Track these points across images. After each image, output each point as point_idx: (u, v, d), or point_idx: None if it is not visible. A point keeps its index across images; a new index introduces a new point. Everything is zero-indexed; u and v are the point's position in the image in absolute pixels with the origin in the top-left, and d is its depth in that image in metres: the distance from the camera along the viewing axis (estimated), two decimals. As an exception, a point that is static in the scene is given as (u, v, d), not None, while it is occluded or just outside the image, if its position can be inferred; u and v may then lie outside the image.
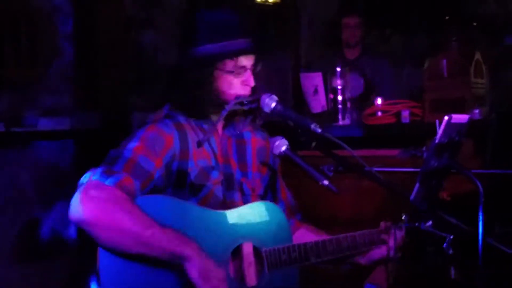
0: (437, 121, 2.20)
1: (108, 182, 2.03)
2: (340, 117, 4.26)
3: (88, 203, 1.99)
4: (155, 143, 2.15)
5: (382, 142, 3.68)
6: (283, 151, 2.23)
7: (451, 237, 2.20)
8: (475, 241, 2.24)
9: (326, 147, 2.22)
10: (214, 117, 2.28)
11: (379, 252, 2.38)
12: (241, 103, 2.24)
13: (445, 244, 2.20)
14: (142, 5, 5.04)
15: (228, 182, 2.29)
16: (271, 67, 5.41)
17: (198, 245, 2.03)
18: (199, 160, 2.22)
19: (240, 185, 2.32)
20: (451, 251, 2.19)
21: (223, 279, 2.04)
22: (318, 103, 4.44)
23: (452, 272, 2.16)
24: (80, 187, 2.03)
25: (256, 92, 2.27)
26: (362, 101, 4.52)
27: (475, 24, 5.79)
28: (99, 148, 4.16)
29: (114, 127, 4.48)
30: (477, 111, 3.84)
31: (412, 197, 2.21)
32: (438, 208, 2.27)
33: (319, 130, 2.17)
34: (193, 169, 2.20)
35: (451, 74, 4.04)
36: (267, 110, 2.23)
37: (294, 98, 5.68)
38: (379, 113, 4.19)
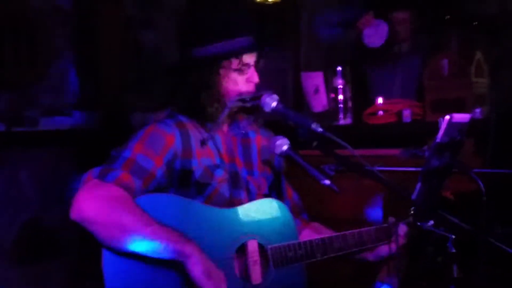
0: (440, 120, 2.20)
1: (106, 179, 2.05)
2: (341, 116, 4.26)
3: (88, 201, 2.00)
4: (154, 142, 2.15)
5: (383, 141, 3.68)
6: (284, 151, 2.23)
7: (453, 236, 2.19)
8: (475, 240, 2.24)
9: (327, 147, 2.22)
10: (217, 116, 2.28)
11: (387, 248, 2.37)
12: (243, 100, 2.24)
13: (447, 243, 2.20)
14: (142, 5, 5.03)
15: (234, 181, 2.29)
16: (271, 67, 5.40)
17: (199, 244, 2.03)
18: (202, 158, 2.22)
19: (246, 183, 2.32)
20: (452, 251, 2.19)
21: (223, 280, 2.04)
22: (319, 102, 4.44)
23: (455, 271, 2.16)
24: (80, 186, 2.05)
25: (257, 89, 2.28)
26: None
27: (475, 24, 5.78)
28: (99, 148, 4.17)
29: (114, 127, 4.48)
30: (478, 110, 3.84)
31: (414, 196, 2.21)
32: (439, 207, 2.26)
33: (320, 130, 2.17)
34: (197, 168, 2.21)
35: (452, 74, 4.04)
36: (267, 109, 2.23)
37: (295, 98, 5.68)
38: (380, 112, 4.19)
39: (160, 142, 2.17)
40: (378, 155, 3.32)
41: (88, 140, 4.44)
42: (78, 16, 4.62)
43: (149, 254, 2.02)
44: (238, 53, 2.24)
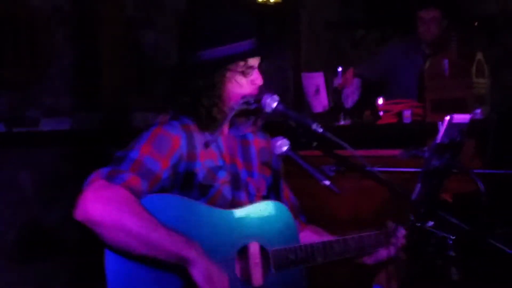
0: (440, 122, 2.20)
1: (115, 182, 2.04)
2: (341, 116, 4.26)
3: (95, 202, 1.99)
4: (161, 144, 2.15)
5: (384, 142, 3.68)
6: (284, 151, 2.23)
7: (452, 237, 2.19)
8: (475, 241, 2.24)
9: (327, 147, 2.22)
10: (220, 118, 2.27)
11: (386, 252, 2.37)
12: (248, 103, 2.24)
13: (446, 244, 2.20)
14: (142, 5, 5.03)
15: (235, 182, 2.29)
16: (271, 67, 5.40)
17: (203, 247, 2.03)
18: (206, 160, 2.22)
19: (246, 185, 2.32)
20: (452, 252, 2.19)
21: (227, 284, 2.05)
22: (319, 103, 4.44)
23: (453, 272, 2.15)
24: (87, 187, 2.03)
25: (260, 91, 2.28)
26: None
27: (475, 24, 5.79)
28: (99, 149, 4.18)
29: (114, 127, 4.48)
30: (478, 111, 3.84)
31: (413, 197, 2.21)
32: (439, 208, 2.26)
33: (320, 130, 2.16)
34: (201, 170, 2.20)
35: (452, 74, 4.04)
36: (268, 110, 2.22)
37: (295, 98, 5.68)
38: (381, 113, 4.19)
39: (167, 144, 2.16)
40: (378, 156, 3.33)
41: (88, 140, 4.44)
42: (78, 16, 4.63)
43: (153, 258, 2.02)
44: (245, 56, 2.23)
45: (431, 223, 2.26)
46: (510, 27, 5.76)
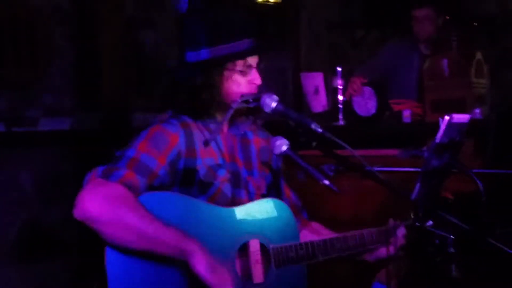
0: (440, 120, 2.20)
1: (111, 179, 2.06)
2: (340, 116, 4.26)
3: (92, 199, 2.01)
4: (158, 141, 2.16)
5: (384, 142, 3.68)
6: (284, 151, 2.23)
7: (452, 237, 2.20)
8: (475, 241, 2.24)
9: (326, 147, 2.22)
10: (219, 117, 2.28)
11: (386, 250, 2.38)
12: (247, 101, 2.24)
13: (446, 244, 2.20)
14: (142, 5, 5.03)
15: (236, 180, 2.30)
16: (271, 67, 5.40)
17: (202, 242, 2.04)
18: (206, 158, 2.23)
19: (246, 183, 2.33)
20: (451, 251, 2.19)
21: (229, 274, 2.05)
22: (319, 103, 4.44)
23: (453, 271, 2.16)
24: (85, 185, 2.06)
25: (259, 90, 2.29)
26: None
27: (475, 24, 5.79)
28: (99, 148, 4.18)
29: (114, 127, 4.48)
30: (478, 110, 3.84)
31: (413, 197, 2.21)
32: (439, 208, 2.26)
33: (320, 130, 2.17)
34: (201, 167, 2.21)
35: (452, 74, 4.05)
36: (267, 110, 2.23)
37: (295, 98, 5.68)
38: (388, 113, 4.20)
39: (164, 141, 2.17)
40: (377, 155, 3.33)
41: (88, 140, 4.44)
42: (78, 16, 4.63)
43: (152, 253, 2.03)
44: (244, 55, 2.25)
45: (430, 223, 2.27)
46: (510, 27, 5.77)
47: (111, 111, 4.60)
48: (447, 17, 4.72)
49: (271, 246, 2.21)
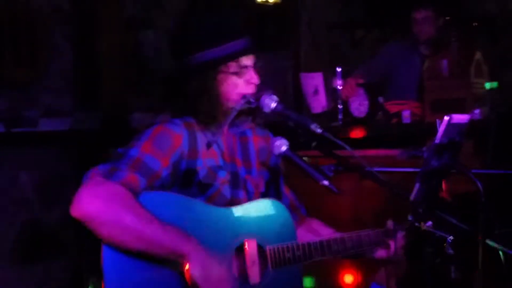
0: (437, 121, 2.20)
1: (112, 179, 2.05)
2: (340, 117, 4.26)
3: (90, 198, 2.00)
4: (162, 142, 2.15)
5: (383, 142, 3.68)
6: (283, 151, 2.23)
7: (451, 237, 2.20)
8: (475, 241, 2.24)
9: (326, 147, 2.22)
10: (221, 119, 2.27)
11: (385, 251, 2.37)
12: (249, 102, 2.24)
13: (445, 244, 2.20)
14: (142, 5, 5.04)
15: (234, 181, 2.30)
16: (271, 67, 5.40)
17: (200, 242, 2.04)
18: (207, 159, 2.22)
19: (244, 183, 2.32)
20: (451, 252, 2.19)
21: (225, 279, 2.05)
22: (318, 103, 4.44)
23: (452, 272, 2.16)
24: (84, 183, 2.05)
25: (258, 90, 2.27)
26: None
27: (475, 24, 5.78)
28: (99, 148, 4.18)
29: (114, 127, 4.48)
30: (477, 111, 3.84)
31: (412, 197, 2.21)
32: (438, 208, 2.26)
33: (319, 130, 2.16)
34: (202, 168, 2.21)
35: (452, 74, 4.05)
36: (267, 110, 2.23)
37: (294, 98, 5.68)
38: (380, 113, 4.20)
39: (167, 142, 2.16)
40: (377, 156, 3.33)
41: (88, 140, 4.44)
42: (78, 16, 4.63)
43: (149, 254, 2.02)
44: (234, 57, 2.23)
45: (430, 223, 2.27)
46: (510, 27, 5.76)
47: (111, 111, 4.60)
48: (447, 18, 4.71)
49: (268, 246, 2.21)
